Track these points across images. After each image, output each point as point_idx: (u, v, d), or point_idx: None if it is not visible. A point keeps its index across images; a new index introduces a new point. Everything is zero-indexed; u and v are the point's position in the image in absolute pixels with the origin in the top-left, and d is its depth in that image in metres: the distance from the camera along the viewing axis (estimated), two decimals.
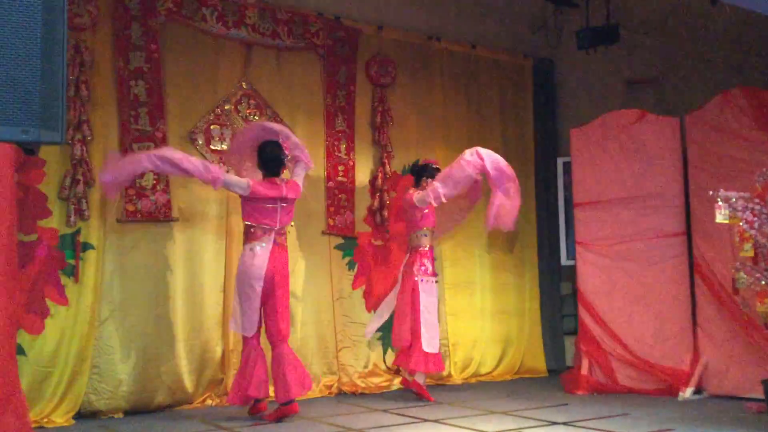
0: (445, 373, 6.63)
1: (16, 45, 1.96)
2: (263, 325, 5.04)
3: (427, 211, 5.99)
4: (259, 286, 4.89)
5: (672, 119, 6.26)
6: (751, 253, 4.79)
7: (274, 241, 5.01)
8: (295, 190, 5.18)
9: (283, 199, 5.09)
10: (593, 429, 4.53)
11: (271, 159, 5.13)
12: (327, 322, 6.27)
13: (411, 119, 6.94)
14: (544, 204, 7.61)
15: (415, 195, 5.94)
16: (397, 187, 6.76)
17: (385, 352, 6.55)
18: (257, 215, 5.02)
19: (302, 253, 6.18)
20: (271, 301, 4.99)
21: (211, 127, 5.85)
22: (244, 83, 6.04)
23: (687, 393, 5.71)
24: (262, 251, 4.95)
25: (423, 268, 5.96)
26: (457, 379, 6.80)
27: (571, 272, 6.94)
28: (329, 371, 6.22)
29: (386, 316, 6.12)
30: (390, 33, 6.86)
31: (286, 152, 5.19)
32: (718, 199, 4.77)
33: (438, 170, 6.02)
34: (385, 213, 6.62)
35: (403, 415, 5.16)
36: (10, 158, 3.82)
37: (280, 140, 5.17)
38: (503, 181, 5.67)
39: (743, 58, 6.80)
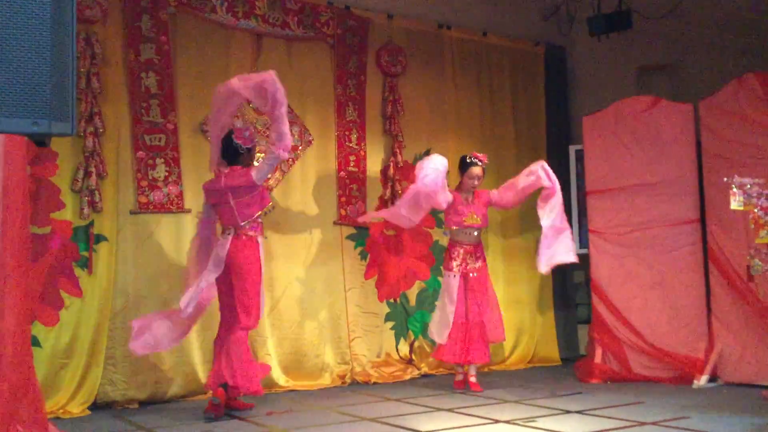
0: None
1: (25, 37, 1.95)
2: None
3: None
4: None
5: (686, 106, 6.20)
6: (766, 240, 4.75)
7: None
8: (238, 177, 4.84)
9: (232, 190, 4.82)
10: (607, 417, 4.51)
11: (224, 148, 4.96)
12: (339, 313, 6.28)
13: (422, 108, 6.91)
14: None
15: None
16: (408, 177, 6.75)
17: (397, 342, 6.56)
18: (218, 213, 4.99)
19: (314, 244, 6.19)
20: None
21: None
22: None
23: (702, 381, 5.69)
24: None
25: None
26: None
27: (584, 261, 6.91)
28: (342, 361, 6.24)
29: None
30: (400, 22, 6.83)
31: (240, 141, 4.91)
32: (733, 186, 4.73)
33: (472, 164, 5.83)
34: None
35: (416, 404, 5.16)
36: (21, 150, 3.83)
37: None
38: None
39: (758, 43, 6.73)
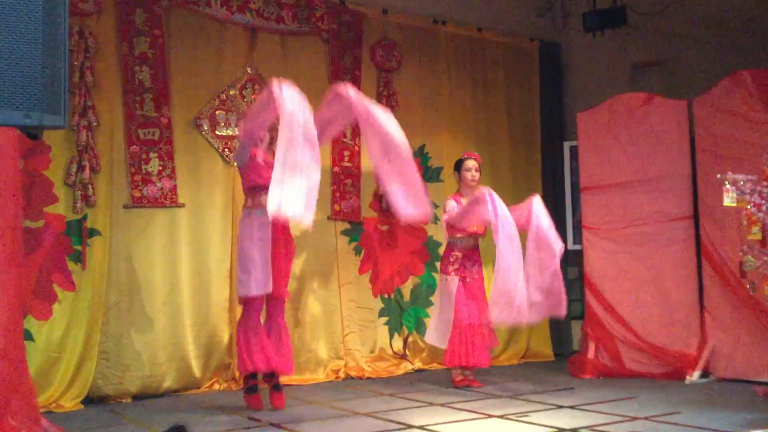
0: None
1: (17, 29, 1.94)
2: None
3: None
4: None
5: (679, 102, 6.21)
6: (759, 236, 4.75)
7: None
8: None
9: None
10: (600, 412, 4.53)
11: None
12: (333, 308, 6.28)
13: (417, 104, 6.91)
14: (550, 188, 7.57)
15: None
16: None
17: (391, 337, 6.57)
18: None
19: (308, 239, 6.18)
20: None
21: (216, 112, 5.84)
22: (249, 68, 6.03)
23: (694, 376, 5.71)
24: None
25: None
26: None
27: (578, 257, 6.92)
28: (336, 356, 6.24)
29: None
30: (395, 17, 6.82)
31: None
32: (726, 182, 4.73)
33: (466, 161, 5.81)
34: None
35: (410, 399, 5.17)
36: (14, 143, 3.82)
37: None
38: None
39: (751, 40, 6.74)
